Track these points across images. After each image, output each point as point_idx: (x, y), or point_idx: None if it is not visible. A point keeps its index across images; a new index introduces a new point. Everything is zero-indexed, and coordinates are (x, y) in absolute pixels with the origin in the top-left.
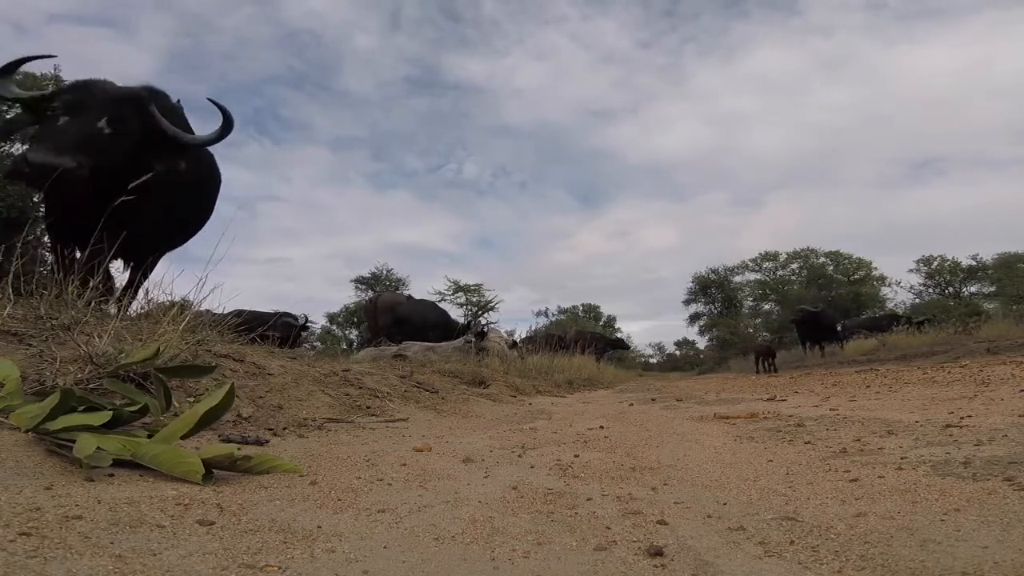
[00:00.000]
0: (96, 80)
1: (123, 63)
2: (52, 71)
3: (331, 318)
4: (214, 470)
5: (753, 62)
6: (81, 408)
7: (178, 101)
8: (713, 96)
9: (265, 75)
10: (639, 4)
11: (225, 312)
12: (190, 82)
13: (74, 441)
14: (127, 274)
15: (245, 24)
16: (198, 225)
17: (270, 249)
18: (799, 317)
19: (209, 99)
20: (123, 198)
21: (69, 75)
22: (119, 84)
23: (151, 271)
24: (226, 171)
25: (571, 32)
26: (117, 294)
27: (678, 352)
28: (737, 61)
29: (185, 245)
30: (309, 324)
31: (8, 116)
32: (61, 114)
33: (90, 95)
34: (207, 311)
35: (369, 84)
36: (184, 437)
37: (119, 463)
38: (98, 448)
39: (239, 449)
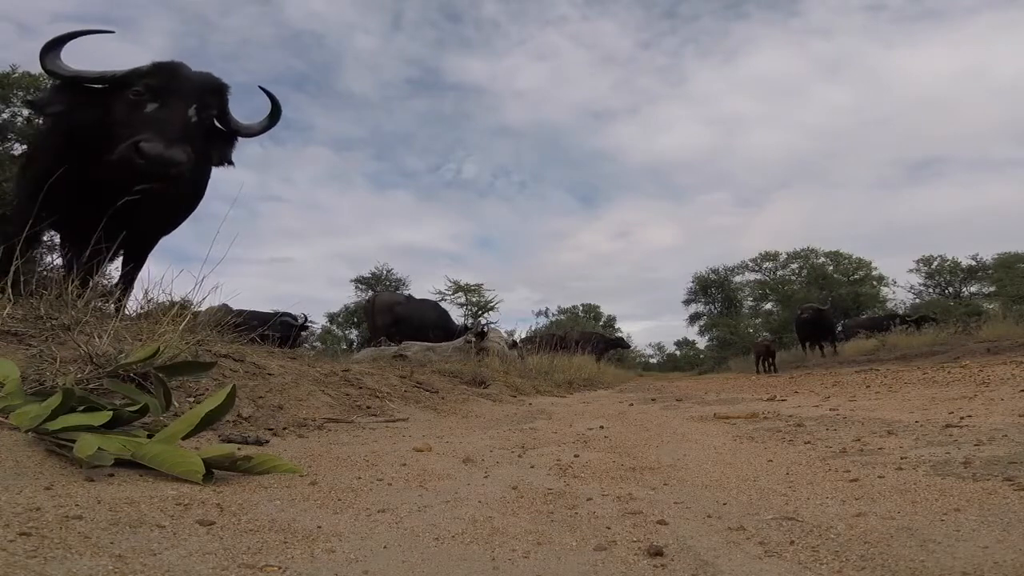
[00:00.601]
0: (176, 63)
1: (126, 63)
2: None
3: (331, 318)
4: (214, 470)
5: (753, 63)
6: (81, 408)
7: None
8: (713, 97)
9: (267, 76)
10: (640, 5)
11: (218, 308)
12: None
13: (75, 441)
14: (121, 268)
15: (247, 25)
16: (191, 210)
17: (272, 249)
18: (809, 315)
19: (261, 87)
20: (140, 188)
21: None
22: (193, 69)
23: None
24: (227, 171)
25: (572, 33)
26: (117, 294)
27: (678, 352)
28: (737, 62)
29: (185, 245)
30: (309, 324)
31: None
32: (148, 100)
33: (176, 80)
34: (223, 306)
35: (370, 85)
36: (185, 437)
37: (120, 463)
38: (99, 448)
39: (239, 449)
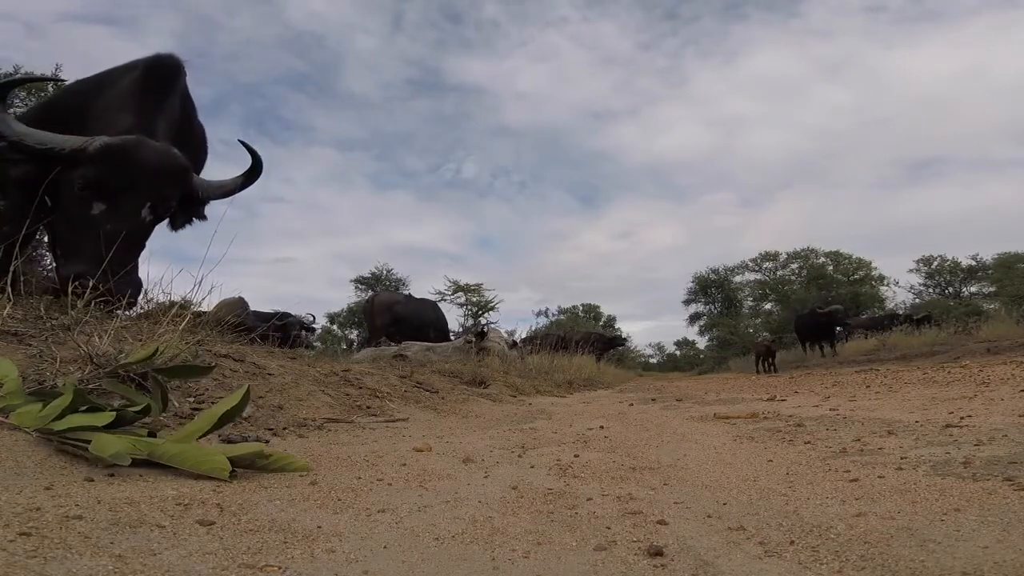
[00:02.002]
0: (130, 142)
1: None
2: (53, 70)
3: (331, 318)
4: (237, 468)
5: (754, 64)
6: (83, 408)
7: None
8: (714, 98)
9: (268, 76)
10: (640, 7)
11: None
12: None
13: (83, 441)
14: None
15: (249, 25)
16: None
17: (273, 250)
18: (827, 313)
19: (241, 142)
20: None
21: (70, 73)
22: (156, 144)
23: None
24: (227, 171)
25: (572, 34)
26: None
27: (678, 352)
28: (738, 63)
29: (185, 245)
30: (313, 327)
31: None
32: (94, 198)
33: (129, 169)
34: (239, 298)
35: (371, 86)
36: (199, 437)
37: (117, 463)
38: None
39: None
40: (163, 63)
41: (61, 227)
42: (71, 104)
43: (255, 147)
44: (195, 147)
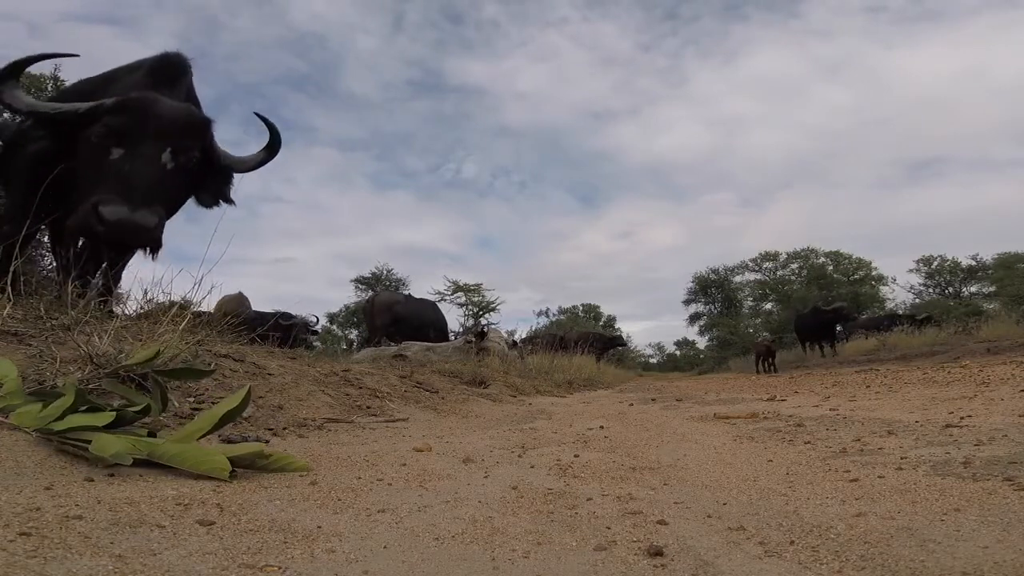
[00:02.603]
0: (147, 96)
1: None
2: (52, 70)
3: (331, 318)
4: (236, 468)
5: (754, 64)
6: (83, 408)
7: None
8: (714, 98)
9: (269, 77)
10: (640, 7)
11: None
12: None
13: (83, 441)
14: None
15: (250, 26)
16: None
17: (273, 250)
18: (832, 310)
19: (257, 114)
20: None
21: (70, 73)
22: (169, 101)
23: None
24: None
25: (572, 34)
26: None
27: (678, 352)
28: (738, 63)
29: (184, 245)
30: (316, 329)
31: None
32: (112, 144)
33: (146, 119)
34: (239, 294)
35: (372, 86)
36: (199, 438)
37: (118, 463)
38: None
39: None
40: (169, 61)
41: (79, 180)
42: (78, 91)
43: (256, 142)
44: None
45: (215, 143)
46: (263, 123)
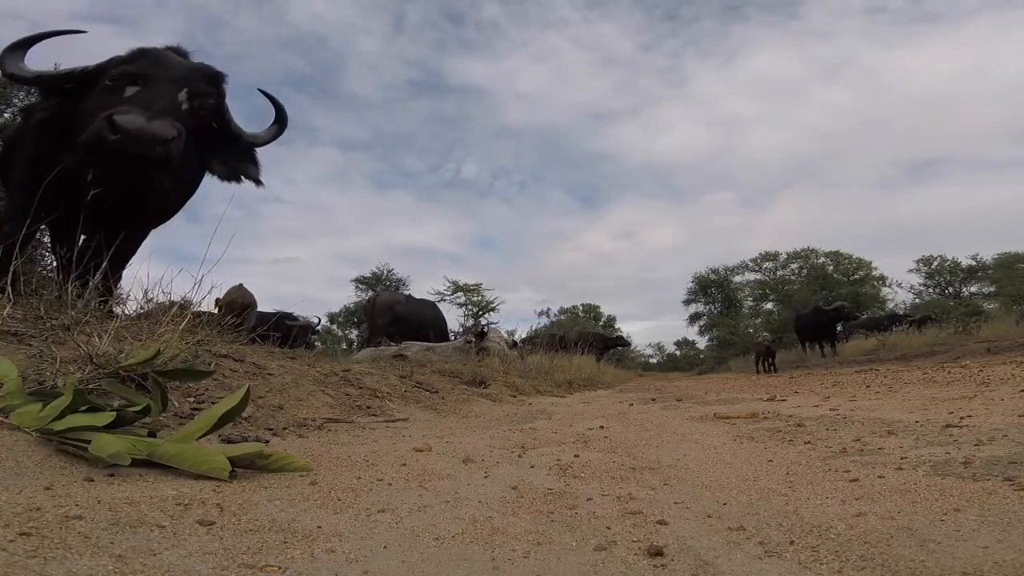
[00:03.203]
0: (163, 49)
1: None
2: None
3: (332, 318)
4: (236, 468)
5: (754, 65)
6: (83, 408)
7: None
8: (714, 98)
9: (270, 77)
10: (640, 8)
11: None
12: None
13: (83, 441)
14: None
15: (251, 26)
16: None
17: (273, 250)
18: (834, 310)
19: (261, 91)
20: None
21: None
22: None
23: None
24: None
25: (572, 35)
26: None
27: (678, 352)
28: (738, 64)
29: (184, 245)
30: (318, 329)
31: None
32: (126, 84)
33: (161, 64)
34: (239, 286)
35: (373, 87)
36: (199, 438)
37: (117, 463)
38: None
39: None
40: (171, 50)
41: (90, 118)
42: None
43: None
44: None
45: (228, 110)
46: (268, 99)
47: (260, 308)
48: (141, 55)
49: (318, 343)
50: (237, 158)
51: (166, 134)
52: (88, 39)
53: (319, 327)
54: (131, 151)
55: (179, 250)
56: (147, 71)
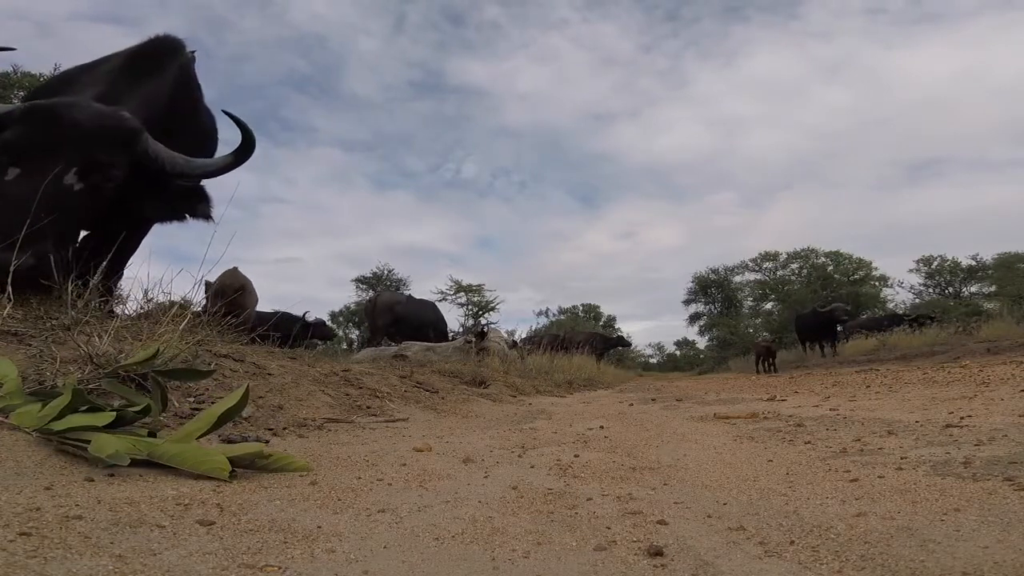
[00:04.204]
0: (60, 103)
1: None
2: (52, 69)
3: (332, 317)
4: (236, 468)
5: (754, 65)
6: (83, 408)
7: (192, 52)
8: (714, 99)
9: (271, 77)
10: (640, 8)
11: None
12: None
13: (83, 441)
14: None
15: (252, 27)
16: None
17: (274, 250)
18: (828, 311)
19: (225, 111)
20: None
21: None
22: (103, 100)
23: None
24: (232, 173)
25: (573, 36)
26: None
27: (678, 352)
28: (738, 64)
29: (184, 245)
30: (336, 333)
31: None
32: (8, 163)
33: (50, 129)
34: (233, 269)
35: (373, 87)
36: (198, 437)
37: (116, 463)
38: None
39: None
40: (156, 42)
41: None
42: (53, 85)
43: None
44: (199, 132)
45: (152, 150)
46: (235, 123)
47: (260, 309)
48: (30, 114)
49: (318, 343)
50: (180, 195)
51: (20, 267)
52: (96, 39)
53: (333, 333)
54: None
55: (179, 250)
56: (30, 142)
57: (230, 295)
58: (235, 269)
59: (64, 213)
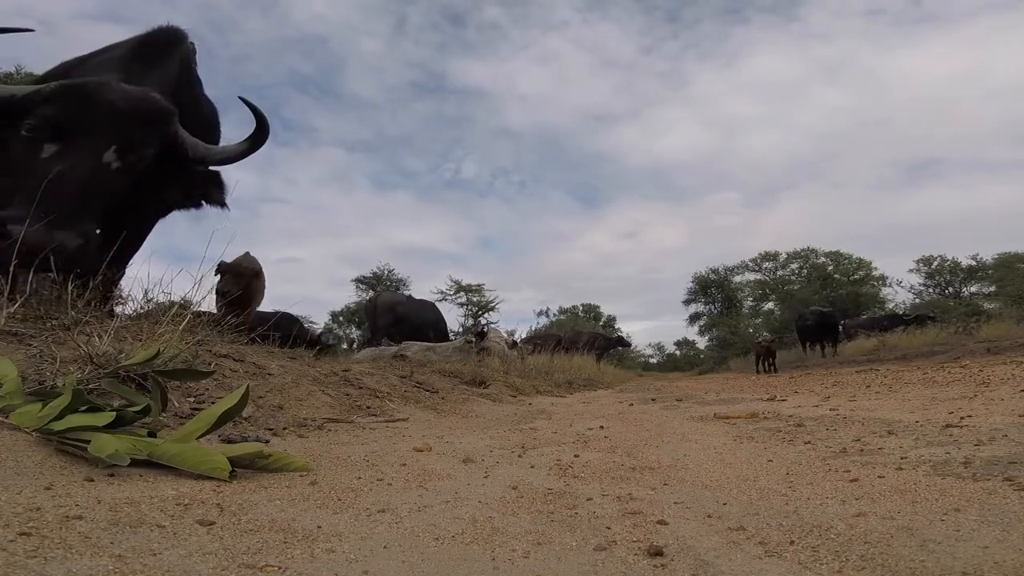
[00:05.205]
0: (93, 82)
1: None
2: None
3: (333, 317)
4: (236, 468)
5: (754, 67)
6: (83, 408)
7: (192, 44)
8: (714, 100)
9: (273, 78)
10: (641, 10)
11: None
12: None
13: (82, 441)
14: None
15: (255, 27)
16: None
17: (275, 250)
18: (814, 319)
19: (241, 98)
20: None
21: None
22: (125, 83)
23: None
24: (230, 173)
25: (573, 37)
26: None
27: (678, 352)
28: (738, 65)
29: (184, 245)
30: (334, 342)
31: None
32: (45, 139)
33: (89, 109)
34: (246, 254)
35: (374, 88)
36: (198, 437)
37: (116, 464)
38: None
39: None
40: (160, 32)
41: (3, 183)
42: (66, 70)
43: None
44: (202, 122)
45: (181, 135)
46: (249, 109)
47: (260, 309)
48: (65, 92)
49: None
50: (198, 180)
51: (67, 247)
52: (98, 39)
53: (332, 342)
54: (26, 263)
55: (179, 250)
56: (69, 119)
57: (249, 278)
58: (248, 253)
59: (100, 193)
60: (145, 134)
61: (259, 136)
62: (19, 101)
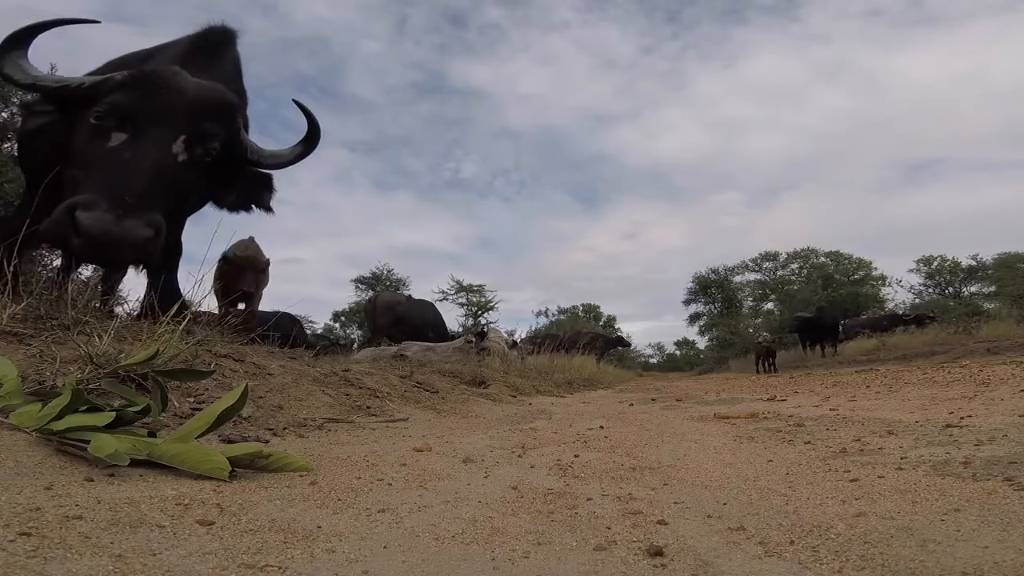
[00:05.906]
0: (164, 70)
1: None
2: (49, 68)
3: (335, 317)
4: (236, 468)
5: (754, 68)
6: (83, 408)
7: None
8: (714, 101)
9: (274, 79)
10: (641, 11)
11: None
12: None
13: (82, 441)
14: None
15: (256, 28)
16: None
17: (275, 250)
18: (803, 320)
19: (296, 102)
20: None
21: (79, 68)
22: (192, 77)
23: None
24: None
25: (574, 38)
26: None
27: (678, 352)
28: (738, 66)
29: (184, 245)
30: (341, 343)
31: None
32: (114, 128)
33: (158, 98)
34: (251, 238)
35: (375, 89)
36: (198, 437)
37: (116, 464)
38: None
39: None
40: (214, 30)
41: (70, 173)
42: (131, 61)
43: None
44: (246, 122)
45: (243, 132)
46: (301, 112)
47: (260, 309)
48: (136, 80)
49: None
50: (251, 184)
51: (138, 237)
52: (101, 38)
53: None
54: (96, 258)
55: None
56: (139, 107)
57: (261, 266)
58: (252, 239)
59: (168, 184)
60: (213, 126)
61: (311, 141)
62: (87, 89)
